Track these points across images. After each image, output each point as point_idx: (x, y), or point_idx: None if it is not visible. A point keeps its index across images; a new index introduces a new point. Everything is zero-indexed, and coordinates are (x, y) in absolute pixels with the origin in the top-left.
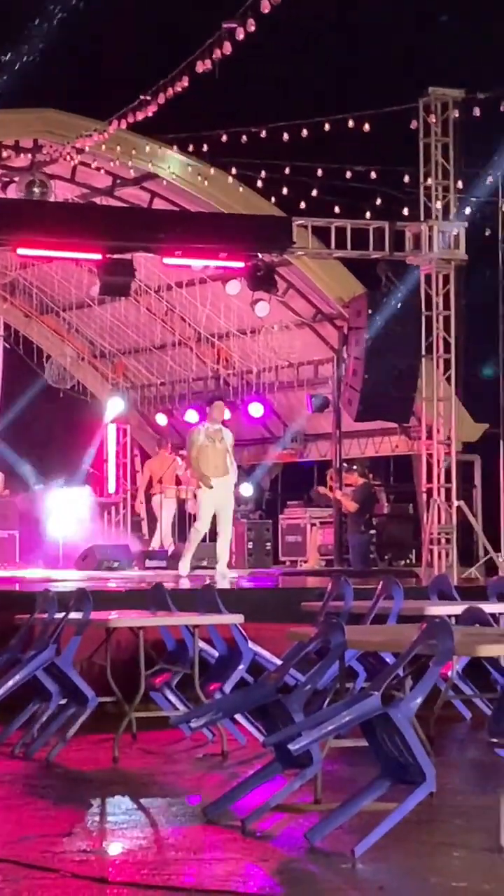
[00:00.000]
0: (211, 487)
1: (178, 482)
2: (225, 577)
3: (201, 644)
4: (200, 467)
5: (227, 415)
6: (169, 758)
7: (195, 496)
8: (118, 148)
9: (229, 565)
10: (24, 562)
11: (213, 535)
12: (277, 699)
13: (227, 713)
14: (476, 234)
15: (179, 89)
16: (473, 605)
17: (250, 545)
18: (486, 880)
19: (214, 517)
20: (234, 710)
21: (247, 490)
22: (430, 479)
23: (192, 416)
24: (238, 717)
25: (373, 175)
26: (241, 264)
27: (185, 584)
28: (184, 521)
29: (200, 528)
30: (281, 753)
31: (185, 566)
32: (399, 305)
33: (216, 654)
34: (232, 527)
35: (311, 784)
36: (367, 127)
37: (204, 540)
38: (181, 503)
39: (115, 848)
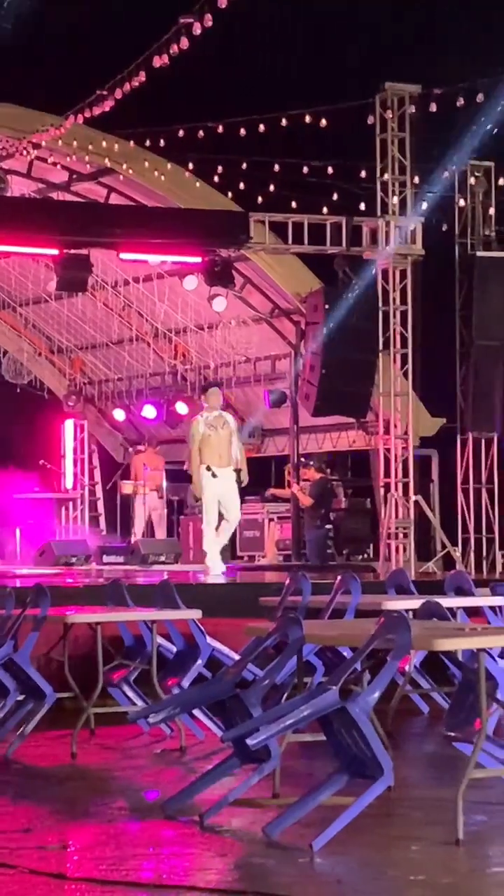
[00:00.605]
0: (215, 476)
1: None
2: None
3: (159, 639)
4: (205, 458)
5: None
6: (127, 753)
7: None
8: (75, 143)
9: (186, 560)
10: None
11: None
12: (235, 694)
13: (185, 708)
14: (433, 230)
15: (136, 84)
16: (431, 599)
17: None
18: (445, 874)
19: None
20: (192, 705)
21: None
22: (387, 474)
23: (149, 411)
24: (196, 712)
25: (330, 170)
26: (198, 259)
27: (219, 580)
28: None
29: (210, 520)
30: (239, 748)
31: (215, 564)
32: (356, 300)
33: (174, 649)
34: (237, 516)
35: (270, 779)
36: (323, 122)
37: (163, 535)
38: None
39: (73, 844)
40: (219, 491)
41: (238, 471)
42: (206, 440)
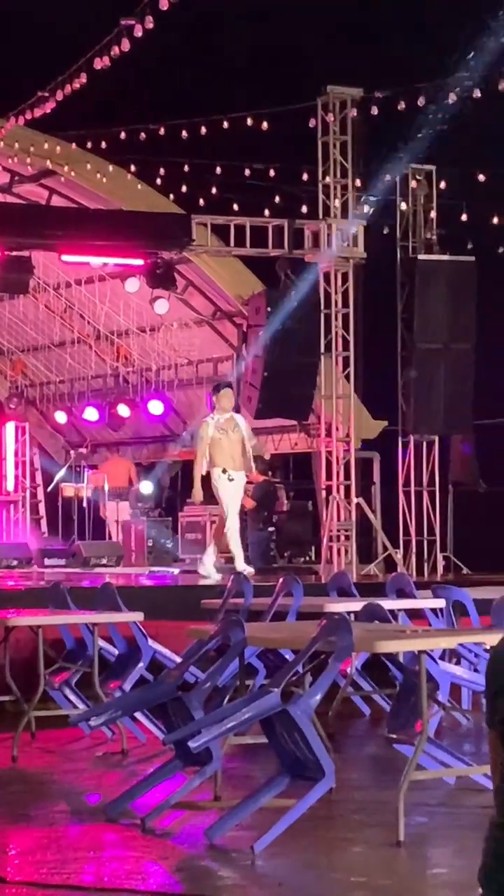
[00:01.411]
0: (232, 480)
1: (131, 483)
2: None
3: (101, 642)
4: (218, 461)
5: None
6: (68, 756)
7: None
8: (16, 144)
9: (128, 563)
10: None
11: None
12: (177, 697)
13: (126, 711)
14: (374, 233)
15: (78, 86)
16: (372, 601)
17: (150, 543)
18: (386, 875)
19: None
20: (133, 708)
21: (146, 488)
22: (329, 477)
23: (91, 413)
24: (138, 714)
25: (272, 173)
26: (140, 262)
27: (253, 576)
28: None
29: (232, 524)
30: (181, 751)
31: (242, 566)
32: (298, 303)
33: (116, 652)
34: (238, 522)
35: (211, 781)
36: (265, 125)
37: (105, 538)
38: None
39: (14, 847)
40: (236, 494)
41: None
42: (217, 444)
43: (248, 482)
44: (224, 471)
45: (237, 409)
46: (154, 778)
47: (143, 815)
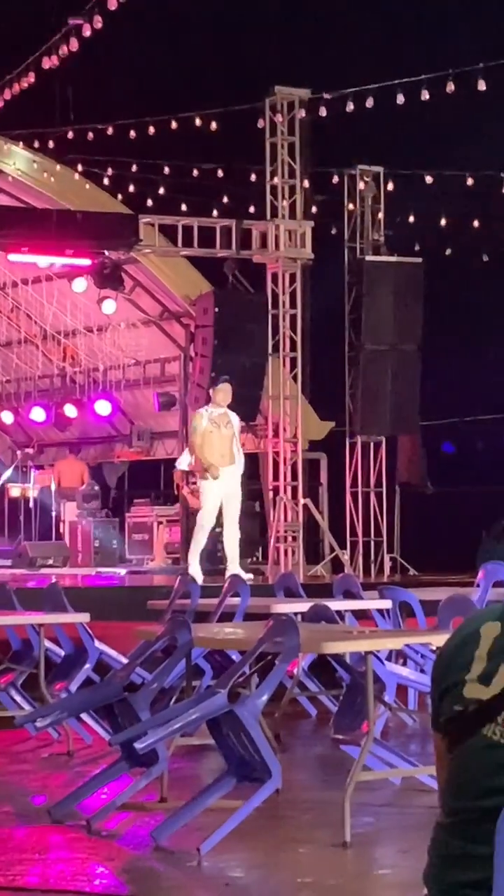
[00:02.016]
0: (217, 478)
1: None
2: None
3: (47, 643)
4: (206, 456)
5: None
6: (14, 757)
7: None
8: None
9: (75, 563)
10: None
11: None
12: (124, 698)
13: (72, 712)
14: (322, 234)
15: (25, 85)
16: (319, 602)
17: (97, 543)
18: (332, 875)
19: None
20: (80, 709)
21: (93, 488)
22: (276, 477)
23: (37, 413)
24: (84, 716)
25: (220, 173)
26: (87, 262)
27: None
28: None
29: (205, 523)
30: (127, 752)
31: (195, 568)
32: (245, 304)
33: (62, 653)
34: (238, 522)
35: (157, 782)
36: (214, 125)
37: (50, 538)
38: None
39: None
40: (221, 494)
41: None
42: (207, 437)
43: (194, 482)
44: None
45: (183, 409)
46: (100, 779)
47: (88, 817)
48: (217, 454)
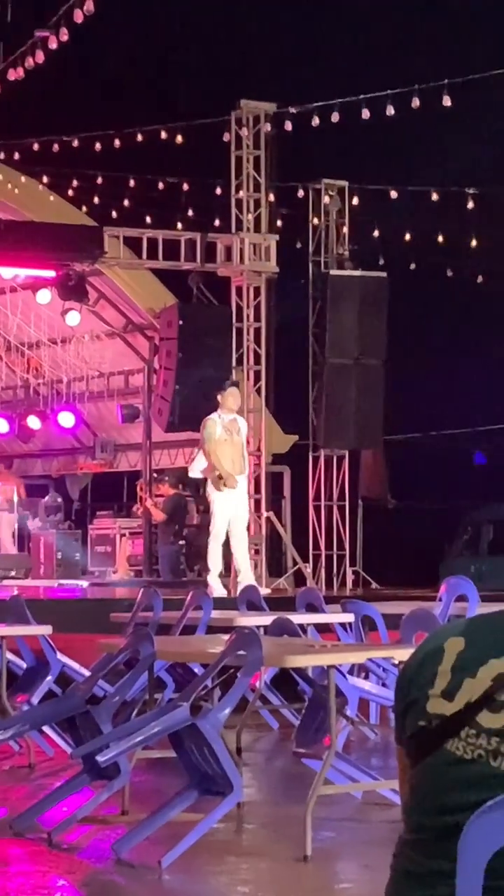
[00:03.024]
0: (234, 487)
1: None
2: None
3: (9, 655)
4: (222, 464)
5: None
6: None
7: None
8: None
9: (37, 575)
10: None
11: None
12: (86, 710)
13: (34, 725)
14: (287, 248)
15: None
16: (282, 615)
17: (59, 555)
18: (293, 889)
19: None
20: (41, 721)
21: (56, 500)
22: None
23: (0, 425)
24: (46, 728)
25: (185, 186)
26: (51, 273)
27: (219, 593)
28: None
29: (219, 534)
30: (89, 765)
31: (216, 584)
32: (210, 317)
33: (24, 665)
34: (246, 533)
35: (119, 795)
36: (179, 138)
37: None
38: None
39: None
40: (232, 506)
41: None
42: (221, 446)
43: (158, 495)
44: (219, 477)
45: (147, 422)
46: (61, 792)
47: (50, 830)
48: (229, 462)
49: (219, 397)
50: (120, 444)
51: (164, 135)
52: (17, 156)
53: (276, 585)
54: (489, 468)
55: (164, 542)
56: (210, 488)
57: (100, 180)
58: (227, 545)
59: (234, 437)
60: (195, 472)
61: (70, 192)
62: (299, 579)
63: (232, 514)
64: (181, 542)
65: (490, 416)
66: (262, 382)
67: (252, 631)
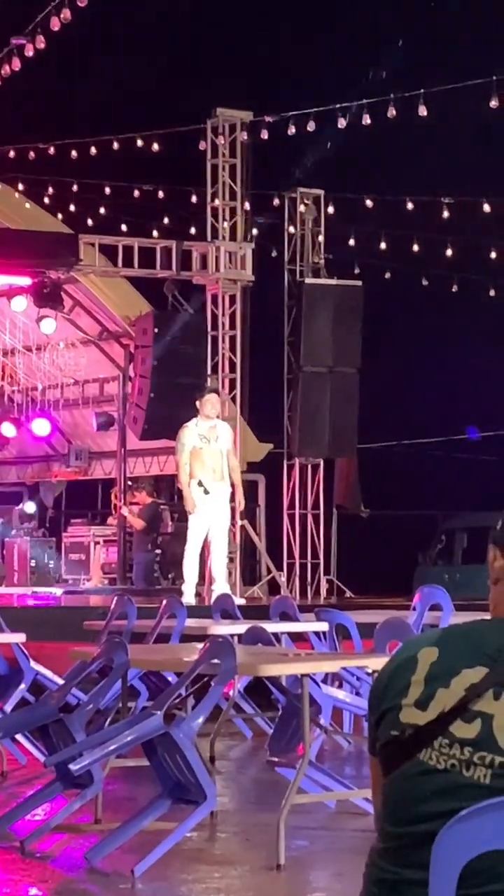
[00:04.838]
0: (192, 511)
1: None
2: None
3: None
4: (196, 472)
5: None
6: None
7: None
8: None
9: (11, 583)
10: None
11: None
12: (59, 718)
13: (7, 733)
14: (262, 256)
15: None
16: (256, 624)
17: (33, 563)
18: None
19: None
20: (14, 729)
21: (30, 508)
22: None
23: None
24: (19, 736)
25: (160, 194)
26: (27, 281)
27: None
28: None
29: (197, 543)
30: (62, 773)
31: (190, 593)
32: (185, 325)
33: None
34: (227, 542)
35: (92, 804)
36: (155, 146)
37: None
38: None
39: None
40: (210, 511)
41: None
42: (196, 453)
43: (134, 503)
44: (200, 483)
45: (122, 430)
46: (34, 800)
47: (22, 838)
48: (209, 470)
49: (197, 404)
50: (94, 451)
51: (140, 142)
52: None
53: (250, 594)
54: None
55: (141, 549)
56: (188, 496)
57: (76, 188)
58: (201, 553)
59: (211, 444)
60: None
61: (46, 200)
62: (273, 588)
63: (211, 521)
64: (157, 551)
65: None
66: (237, 390)
67: (226, 639)
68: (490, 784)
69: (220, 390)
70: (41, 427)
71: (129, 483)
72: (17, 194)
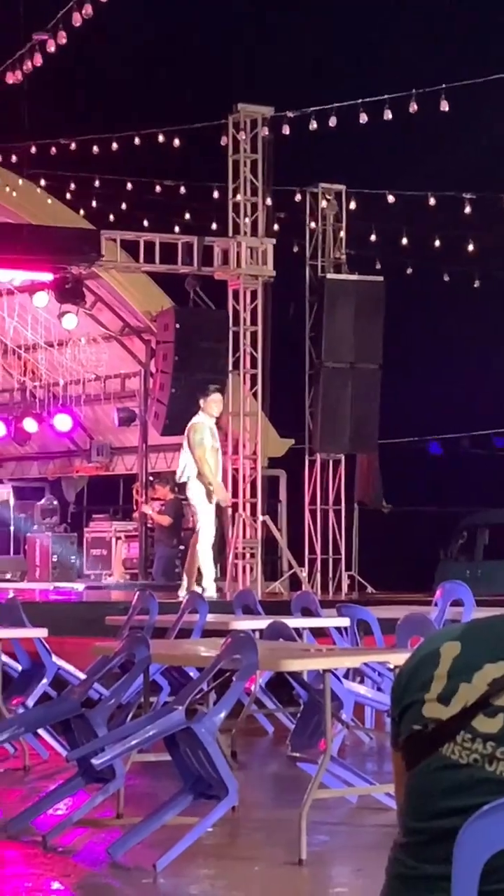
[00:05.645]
0: (227, 503)
1: None
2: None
3: (4, 658)
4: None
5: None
6: None
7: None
8: None
9: (33, 578)
10: None
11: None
12: (81, 713)
13: (29, 727)
14: (284, 252)
15: None
16: (277, 619)
17: (55, 558)
18: (287, 893)
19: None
20: (36, 724)
21: (51, 503)
22: (235, 494)
23: None
24: (41, 731)
25: (182, 190)
26: (48, 276)
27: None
28: None
29: (210, 540)
30: (84, 768)
31: (211, 587)
32: (206, 320)
33: (19, 667)
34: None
35: (114, 798)
36: (177, 142)
37: (8, 552)
38: None
39: None
40: (215, 507)
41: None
42: (212, 454)
43: (155, 498)
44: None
45: (143, 425)
46: (56, 795)
47: (44, 833)
48: (217, 468)
49: (201, 402)
50: (116, 447)
51: (161, 138)
52: (14, 158)
53: (271, 589)
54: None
55: (163, 544)
56: (194, 492)
57: (97, 183)
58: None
59: (215, 442)
60: (183, 476)
61: (68, 196)
62: (295, 583)
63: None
64: (180, 546)
65: (486, 421)
66: (259, 386)
67: (248, 635)
68: None
69: (225, 390)
70: (63, 423)
71: (151, 478)
72: (39, 190)
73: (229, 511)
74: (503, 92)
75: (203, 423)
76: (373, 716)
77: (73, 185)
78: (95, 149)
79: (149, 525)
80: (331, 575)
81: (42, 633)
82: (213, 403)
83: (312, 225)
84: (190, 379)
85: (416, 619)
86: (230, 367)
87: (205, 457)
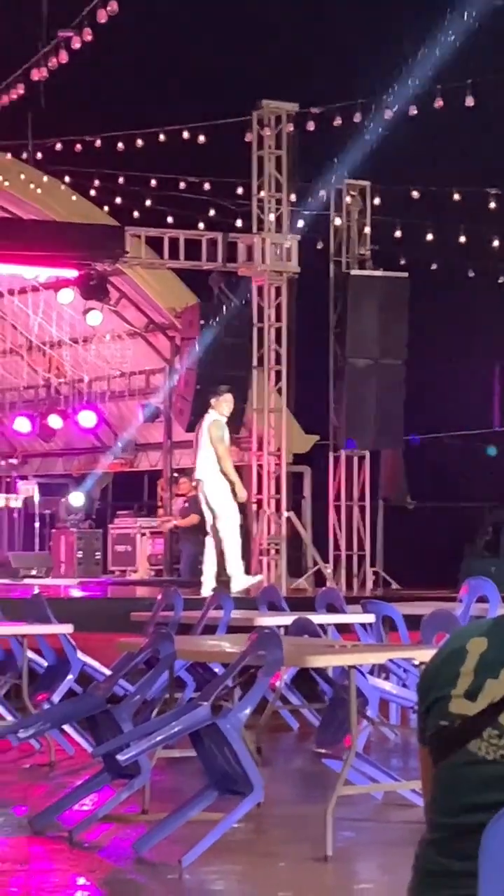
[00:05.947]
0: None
1: None
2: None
3: (30, 654)
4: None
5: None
6: None
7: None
8: None
9: (58, 574)
10: None
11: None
12: (106, 709)
13: (55, 723)
14: (308, 248)
15: (15, 97)
16: (302, 615)
17: (80, 554)
18: (313, 889)
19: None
20: (62, 720)
21: (77, 499)
22: (260, 490)
23: (22, 424)
24: (66, 727)
25: (206, 186)
26: (73, 273)
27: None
28: None
29: (237, 535)
30: (109, 764)
31: (241, 579)
32: (231, 316)
33: (45, 664)
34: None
35: (140, 794)
36: (201, 138)
37: (33, 548)
38: None
39: None
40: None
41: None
42: (231, 453)
43: (179, 494)
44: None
45: (168, 421)
46: (82, 790)
47: (70, 828)
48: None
49: (212, 401)
50: (140, 443)
51: (185, 135)
52: (39, 155)
53: (296, 585)
54: None
55: (188, 541)
56: (214, 490)
57: (122, 180)
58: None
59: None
60: (201, 474)
61: (92, 192)
62: (319, 579)
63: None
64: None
65: None
66: (283, 382)
67: (272, 631)
68: None
69: (233, 390)
70: (88, 419)
71: (175, 474)
72: (63, 187)
73: (253, 507)
74: None
75: (219, 422)
76: (398, 712)
77: (97, 182)
78: (120, 145)
79: (180, 526)
80: (355, 571)
81: (67, 629)
82: (224, 403)
83: (337, 221)
84: (214, 375)
85: (441, 616)
86: (255, 364)
87: (227, 453)
